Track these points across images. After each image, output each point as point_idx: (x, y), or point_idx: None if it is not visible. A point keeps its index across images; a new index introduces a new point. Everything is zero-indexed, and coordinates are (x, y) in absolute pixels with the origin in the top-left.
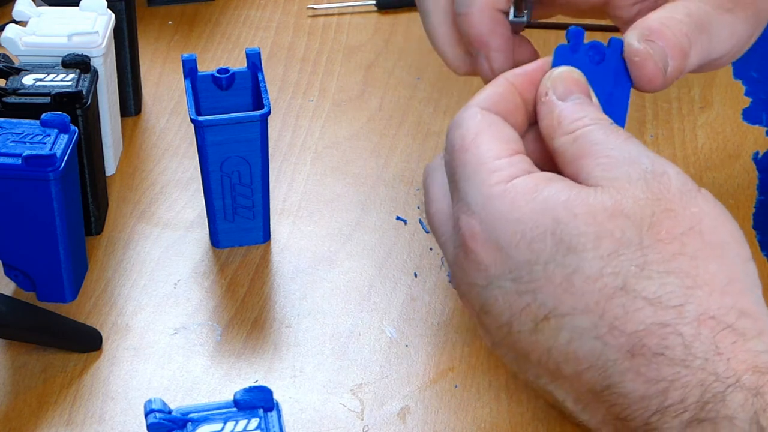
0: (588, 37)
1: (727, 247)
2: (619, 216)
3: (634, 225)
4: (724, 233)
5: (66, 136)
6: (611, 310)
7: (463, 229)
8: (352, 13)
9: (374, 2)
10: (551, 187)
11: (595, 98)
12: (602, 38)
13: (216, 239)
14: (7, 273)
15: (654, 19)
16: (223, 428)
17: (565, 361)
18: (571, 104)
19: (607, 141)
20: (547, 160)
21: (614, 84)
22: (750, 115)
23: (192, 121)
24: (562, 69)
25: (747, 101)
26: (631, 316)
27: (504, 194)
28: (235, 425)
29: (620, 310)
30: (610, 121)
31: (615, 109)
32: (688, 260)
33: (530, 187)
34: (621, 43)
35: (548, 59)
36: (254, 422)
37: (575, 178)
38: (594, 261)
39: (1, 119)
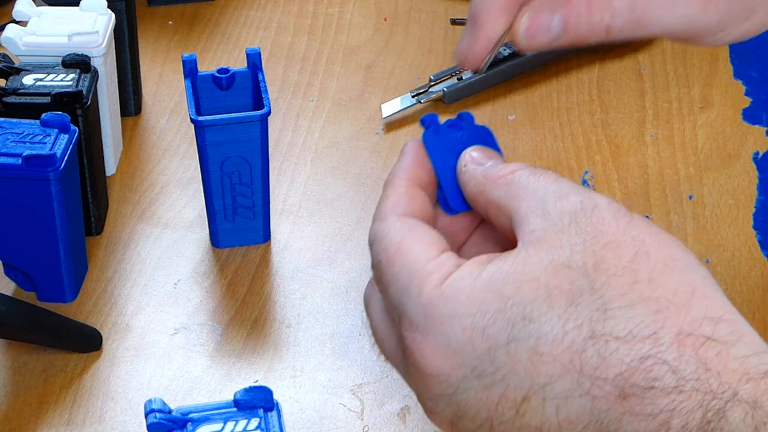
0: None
1: (678, 259)
2: (561, 269)
3: (579, 271)
4: (669, 248)
5: (66, 136)
6: (588, 363)
7: (409, 346)
8: (352, 13)
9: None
10: (487, 269)
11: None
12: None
13: (216, 239)
14: (7, 273)
15: None
16: (223, 428)
17: (560, 430)
18: (492, 163)
19: (537, 182)
20: (486, 238)
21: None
22: (750, 115)
23: (192, 121)
24: (472, 148)
25: (747, 101)
26: (610, 361)
27: (442, 296)
28: (235, 425)
29: (597, 359)
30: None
31: None
32: (647, 284)
33: (466, 278)
34: (470, 116)
35: (415, 141)
36: (254, 422)
37: (508, 224)
38: (553, 321)
39: (1, 119)
